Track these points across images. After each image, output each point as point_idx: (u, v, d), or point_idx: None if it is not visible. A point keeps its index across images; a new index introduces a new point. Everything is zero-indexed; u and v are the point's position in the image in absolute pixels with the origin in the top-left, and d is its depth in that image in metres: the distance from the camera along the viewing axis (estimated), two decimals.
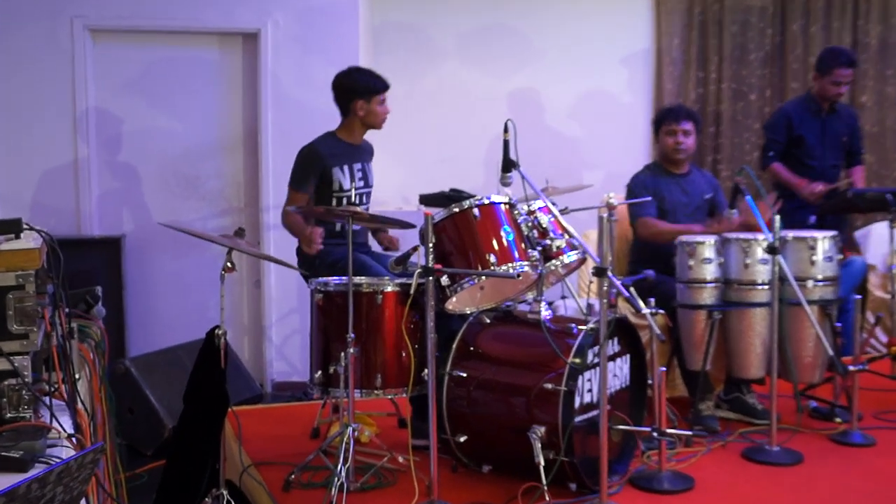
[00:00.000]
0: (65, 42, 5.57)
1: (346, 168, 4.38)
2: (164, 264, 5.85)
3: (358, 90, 4.38)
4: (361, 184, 4.47)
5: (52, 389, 2.26)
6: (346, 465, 3.40)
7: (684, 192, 4.80)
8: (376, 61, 6.06)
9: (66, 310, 2.40)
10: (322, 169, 4.30)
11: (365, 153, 4.57)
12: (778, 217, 3.93)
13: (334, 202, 4.33)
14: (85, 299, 3.39)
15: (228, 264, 3.39)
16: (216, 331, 3.38)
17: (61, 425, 2.15)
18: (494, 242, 3.59)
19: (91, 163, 5.68)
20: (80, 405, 2.37)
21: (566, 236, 3.77)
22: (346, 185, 4.35)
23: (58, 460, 1.90)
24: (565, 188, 4.70)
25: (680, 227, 4.61)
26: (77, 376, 2.54)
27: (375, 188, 4.62)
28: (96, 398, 2.97)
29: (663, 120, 4.83)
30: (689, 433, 3.99)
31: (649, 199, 4.67)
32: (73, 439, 2.11)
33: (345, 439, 3.46)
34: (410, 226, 3.77)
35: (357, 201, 4.38)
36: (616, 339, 3.71)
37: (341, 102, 4.44)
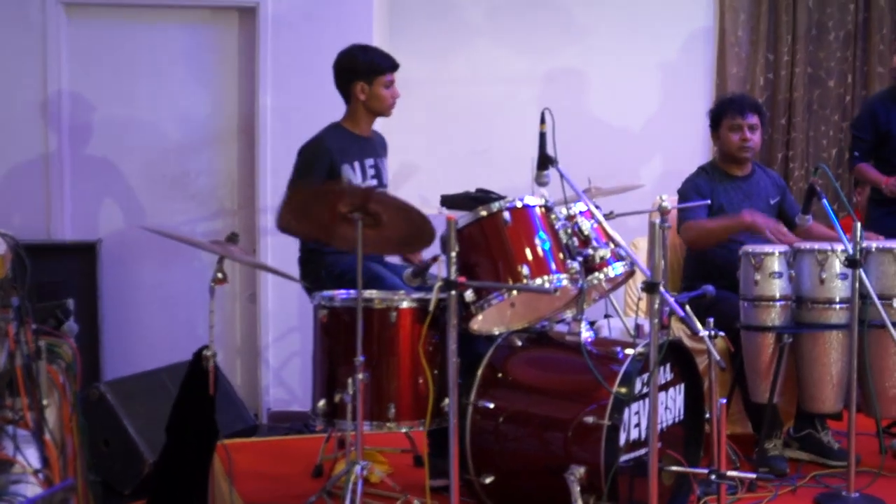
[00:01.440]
0: (35, 17, 5.60)
1: (356, 165, 4.40)
2: (147, 274, 5.87)
3: (358, 70, 4.40)
4: (374, 182, 4.48)
5: (17, 418, 2.29)
6: None
7: (746, 196, 4.79)
8: (394, 39, 6.07)
9: (33, 326, 2.43)
10: (329, 166, 4.31)
11: (377, 146, 4.58)
12: (859, 225, 3.91)
13: None
14: (54, 314, 3.42)
15: (219, 275, 3.41)
16: (204, 352, 3.40)
17: (26, 459, 2.17)
18: (528, 252, 3.60)
19: (63, 156, 5.72)
20: (47, 436, 2.39)
21: (611, 245, 3.77)
22: (357, 182, 4.36)
23: (22, 499, 1.92)
24: (611, 189, 4.71)
25: (724, 220, 4.59)
26: (45, 403, 2.57)
27: (389, 187, 4.63)
28: (66, 428, 3.00)
29: (724, 113, 4.81)
30: (753, 476, 3.97)
31: (707, 202, 4.66)
32: (40, 475, 2.14)
33: (352, 479, 3.46)
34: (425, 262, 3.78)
35: None
36: (669, 366, 3.71)
37: (342, 86, 4.47)
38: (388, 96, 4.44)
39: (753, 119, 4.75)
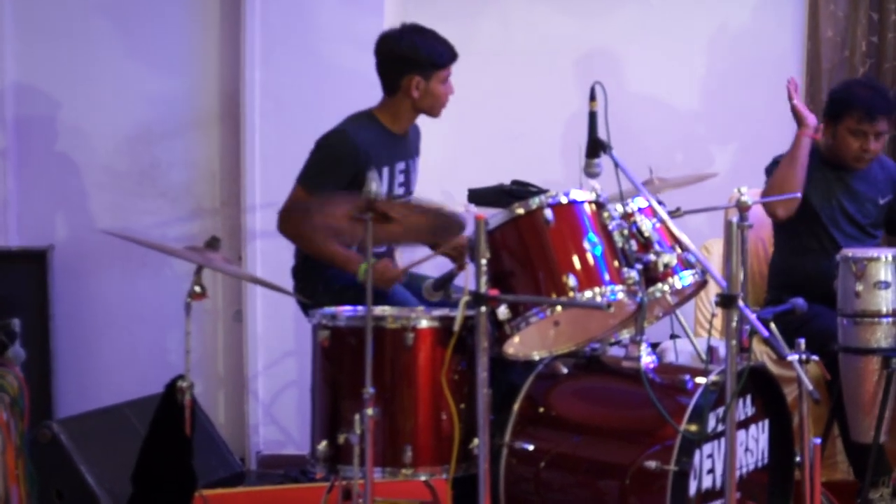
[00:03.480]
0: None
1: (385, 170, 4.44)
2: (108, 287, 5.91)
3: (415, 61, 4.42)
4: (402, 190, 4.51)
5: None
6: None
7: (847, 192, 4.79)
8: (408, 2, 6.08)
9: None
10: (355, 170, 4.30)
11: (412, 145, 4.62)
12: None
13: None
14: None
15: (197, 288, 3.43)
16: (179, 383, 3.42)
17: None
18: (575, 258, 3.60)
19: (9, 150, 5.77)
20: None
21: (678, 250, 3.77)
22: (382, 192, 4.38)
23: None
24: (678, 180, 4.70)
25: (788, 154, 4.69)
26: None
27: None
28: (11, 476, 3.02)
29: (849, 110, 4.80)
30: None
31: (797, 195, 4.66)
32: None
33: None
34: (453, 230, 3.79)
35: None
36: (750, 398, 3.70)
37: (389, 75, 4.49)
38: (443, 94, 4.48)
39: (884, 126, 4.75)
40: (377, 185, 4.24)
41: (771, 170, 4.89)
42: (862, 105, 4.78)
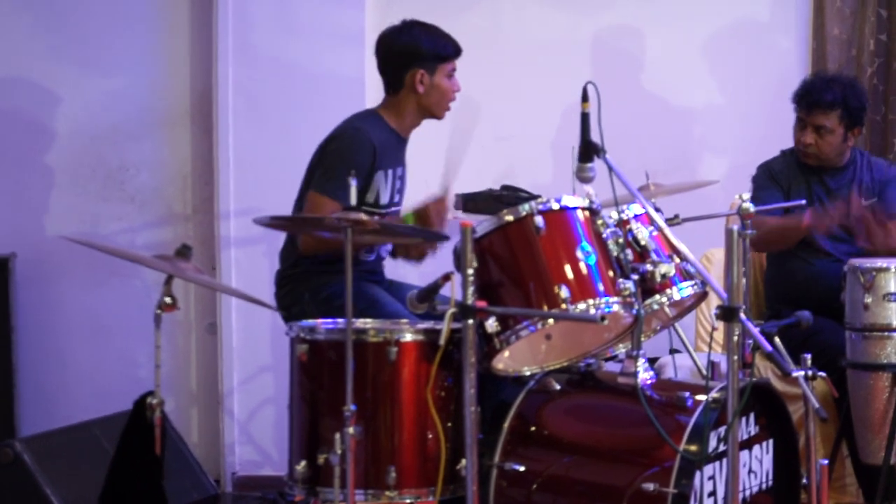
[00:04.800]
0: None
1: (390, 173, 4.46)
2: (74, 298, 5.90)
3: (418, 54, 4.46)
4: (397, 198, 4.53)
5: None
6: None
7: (829, 193, 4.80)
8: None
9: None
10: (369, 171, 4.35)
11: (405, 151, 4.63)
12: None
13: None
14: None
15: (167, 299, 3.43)
16: (148, 399, 3.41)
17: None
18: (567, 268, 3.61)
19: None
20: None
21: (676, 259, 3.78)
22: (385, 197, 4.41)
23: None
24: (676, 186, 4.70)
25: (785, 221, 4.67)
26: None
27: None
28: None
29: (795, 100, 4.97)
30: None
31: (802, 202, 4.67)
32: None
33: None
34: (441, 237, 3.79)
35: None
36: (753, 416, 3.70)
37: (392, 72, 4.53)
38: (450, 89, 4.53)
39: (825, 120, 4.80)
40: (382, 188, 4.31)
41: (756, 181, 4.90)
42: (799, 93, 4.95)
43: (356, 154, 4.33)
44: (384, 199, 4.42)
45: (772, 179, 4.87)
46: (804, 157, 4.89)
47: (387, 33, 4.56)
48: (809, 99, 4.84)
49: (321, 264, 4.37)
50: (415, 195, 4.67)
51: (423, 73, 4.45)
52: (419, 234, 4.03)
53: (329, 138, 4.45)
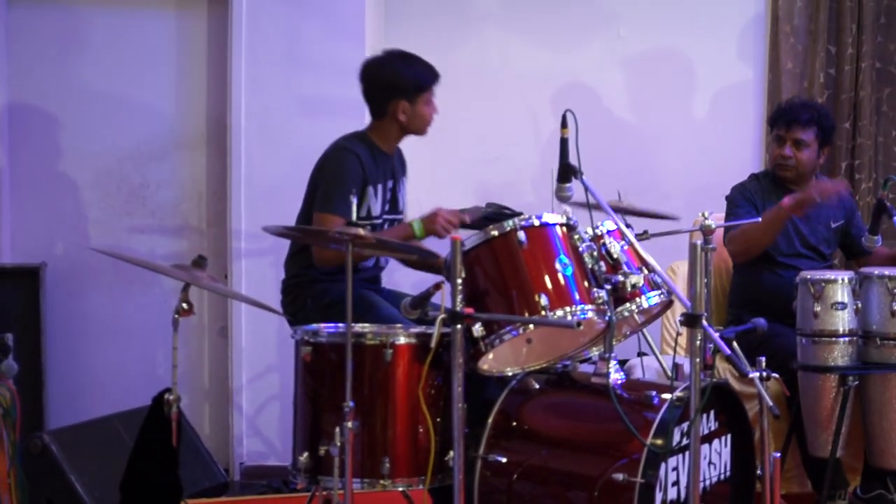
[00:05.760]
0: None
1: (379, 188, 4.45)
2: (98, 304, 5.88)
3: (400, 86, 4.45)
4: (388, 207, 4.52)
5: None
6: None
7: (804, 217, 4.80)
8: (390, 27, 6.08)
9: None
10: (362, 185, 4.35)
11: (397, 165, 4.64)
12: None
13: None
14: None
15: (184, 305, 3.42)
16: (166, 395, 3.40)
17: None
18: (547, 278, 3.61)
19: (3, 170, 5.74)
20: None
21: (645, 271, 3.78)
22: (376, 209, 4.40)
23: None
24: (645, 208, 4.70)
25: (766, 216, 4.64)
26: None
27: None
28: (3, 485, 3.01)
29: (774, 120, 4.97)
30: None
31: (758, 220, 4.68)
32: None
33: None
34: (432, 255, 3.79)
35: None
36: (713, 413, 3.70)
37: (375, 101, 4.51)
38: (428, 114, 4.52)
39: (803, 134, 4.82)
40: (373, 202, 4.30)
41: (733, 200, 4.92)
42: (782, 110, 4.95)
43: (348, 171, 4.33)
44: (376, 211, 4.42)
45: (746, 199, 4.88)
46: (782, 170, 4.88)
47: (370, 64, 4.55)
48: (789, 116, 4.86)
49: (322, 274, 4.37)
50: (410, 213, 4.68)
51: (405, 104, 4.44)
52: (412, 251, 4.02)
53: (321, 161, 4.45)
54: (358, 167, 4.35)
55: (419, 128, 4.52)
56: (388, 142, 4.54)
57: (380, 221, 4.42)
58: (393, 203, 4.56)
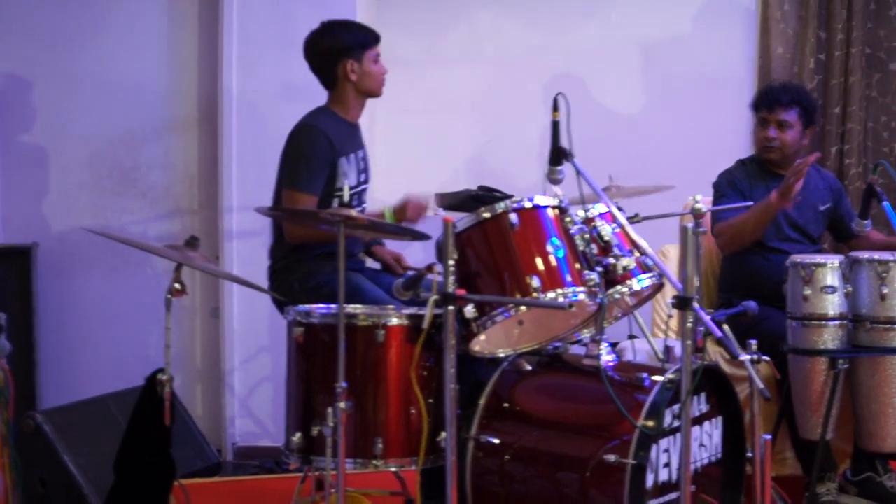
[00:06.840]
0: None
1: (351, 157, 4.46)
2: (90, 284, 5.88)
3: (344, 48, 4.48)
4: (363, 177, 4.53)
5: None
6: None
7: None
8: (382, 10, 6.06)
9: None
10: (332, 160, 4.38)
11: (360, 135, 4.64)
12: None
13: (335, 204, 4.37)
14: None
15: (176, 285, 3.41)
16: (159, 376, 3.40)
17: None
18: (538, 260, 3.61)
19: None
20: None
21: (636, 253, 3.78)
22: (353, 180, 4.41)
23: None
24: (636, 188, 4.70)
25: (754, 208, 4.65)
26: None
27: (375, 184, 4.65)
28: None
29: (757, 103, 4.99)
30: None
31: (749, 203, 4.68)
32: None
33: None
34: (424, 236, 3.79)
35: (355, 202, 4.42)
36: (704, 396, 3.71)
37: (324, 70, 4.54)
38: (379, 72, 4.55)
39: (786, 115, 4.83)
40: (349, 172, 4.31)
41: (718, 186, 4.93)
42: (762, 94, 4.98)
43: (313, 146, 4.37)
44: (352, 181, 4.44)
45: (732, 186, 4.89)
46: (768, 153, 4.89)
47: (310, 38, 4.57)
48: (771, 98, 4.88)
49: (308, 256, 4.37)
50: (387, 200, 4.68)
51: (353, 63, 4.47)
52: (403, 232, 4.02)
53: (287, 139, 4.47)
54: (325, 142, 4.37)
55: (372, 86, 4.55)
56: (349, 110, 4.56)
57: (359, 190, 4.43)
58: (366, 171, 4.57)
